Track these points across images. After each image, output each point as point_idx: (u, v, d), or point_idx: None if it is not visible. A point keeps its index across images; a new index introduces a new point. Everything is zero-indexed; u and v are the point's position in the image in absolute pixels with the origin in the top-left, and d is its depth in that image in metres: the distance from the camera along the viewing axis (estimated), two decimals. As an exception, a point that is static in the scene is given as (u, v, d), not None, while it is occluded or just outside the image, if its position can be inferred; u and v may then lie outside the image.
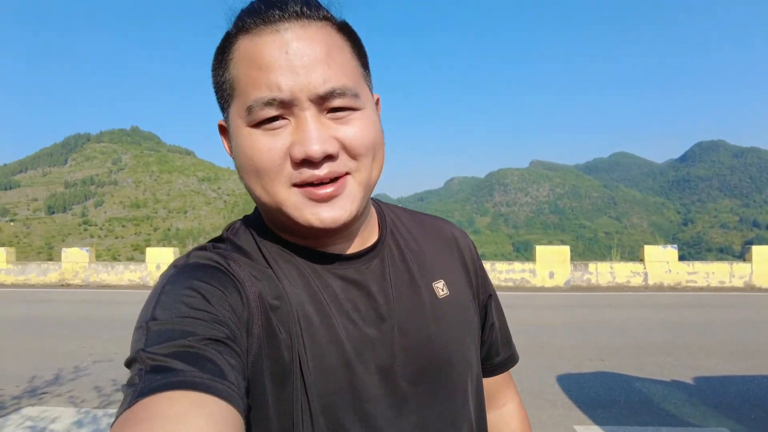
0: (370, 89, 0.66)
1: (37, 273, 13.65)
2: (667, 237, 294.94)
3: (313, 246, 0.66)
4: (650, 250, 12.33)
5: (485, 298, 0.81)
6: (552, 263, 12.39)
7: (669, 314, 8.28)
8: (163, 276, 0.60)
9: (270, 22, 0.57)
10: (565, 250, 12.64)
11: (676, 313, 8.36)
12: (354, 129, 0.59)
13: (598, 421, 3.87)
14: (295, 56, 0.56)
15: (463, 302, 0.74)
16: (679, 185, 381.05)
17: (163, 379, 0.45)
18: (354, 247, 0.68)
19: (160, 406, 0.42)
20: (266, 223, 0.69)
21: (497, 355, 0.85)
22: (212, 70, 0.64)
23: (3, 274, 13.72)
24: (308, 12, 0.58)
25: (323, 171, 0.58)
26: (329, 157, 0.58)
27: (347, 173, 0.60)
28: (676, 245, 12.42)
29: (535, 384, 4.72)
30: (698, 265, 12.23)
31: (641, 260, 12.35)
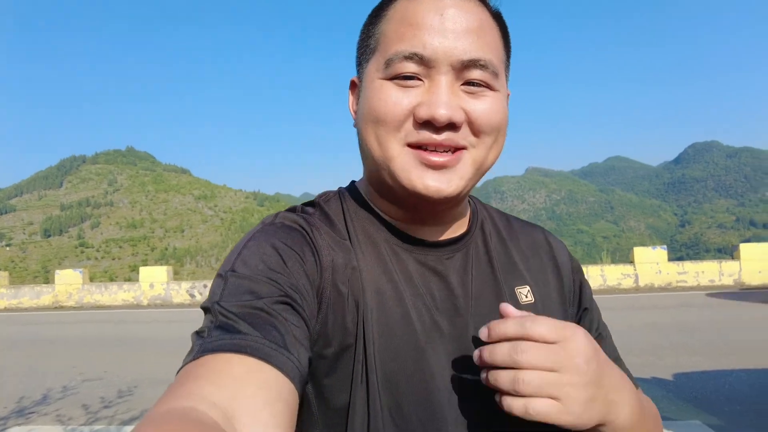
0: (507, 81, 0.66)
1: (30, 296, 13.65)
2: (664, 239, 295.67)
3: (400, 224, 0.66)
4: (640, 252, 12.44)
5: (579, 311, 0.76)
6: (543, 268, 12.47)
7: (657, 315, 8.36)
8: (250, 231, 0.62)
9: None
10: (556, 254, 12.73)
11: (664, 314, 8.44)
12: (484, 105, 0.59)
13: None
14: (448, 20, 0.57)
15: (548, 312, 0.69)
16: (675, 187, 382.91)
17: (230, 339, 0.47)
18: (441, 236, 0.67)
19: (221, 366, 0.45)
20: (363, 193, 0.69)
21: None
22: (363, 27, 0.65)
23: (-4, 298, 13.72)
24: None
25: (442, 136, 0.57)
26: (452, 126, 0.57)
27: (464, 147, 0.59)
28: (665, 246, 12.55)
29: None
30: (688, 265, 12.34)
31: (631, 262, 12.45)
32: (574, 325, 0.54)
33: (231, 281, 0.53)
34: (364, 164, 0.67)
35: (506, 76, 0.65)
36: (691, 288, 11.80)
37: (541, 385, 0.50)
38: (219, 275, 0.56)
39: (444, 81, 0.57)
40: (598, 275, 12.38)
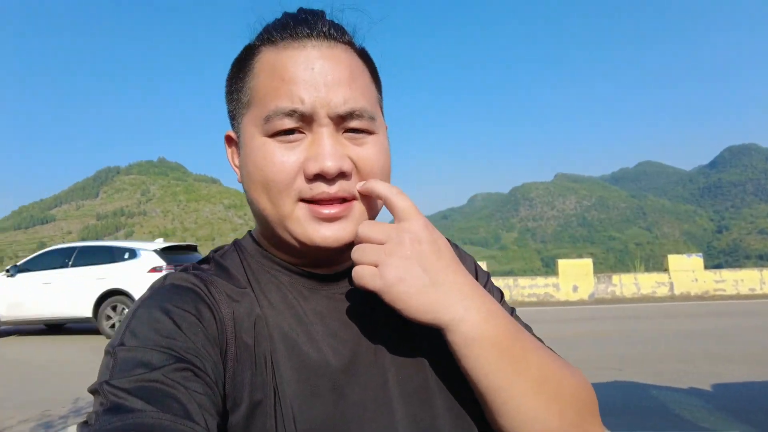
0: (383, 116, 0.67)
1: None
2: (700, 245, 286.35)
3: (304, 266, 0.65)
4: (675, 260, 12.22)
5: None
6: (575, 277, 12.39)
7: (693, 323, 8.24)
8: (139, 299, 0.58)
9: (297, 38, 0.59)
10: (588, 263, 12.63)
11: (700, 322, 8.31)
12: (368, 151, 0.60)
13: (608, 427, 3.98)
14: (320, 73, 0.57)
15: None
16: (711, 192, 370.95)
17: (119, 421, 0.43)
18: (343, 268, 0.67)
19: None
20: (260, 243, 0.68)
21: None
22: (228, 80, 0.65)
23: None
24: (335, 34, 0.60)
25: (334, 188, 0.58)
26: (342, 175, 0.58)
27: (354, 198, 0.60)
28: (701, 254, 12.29)
29: (551, 394, 4.83)
30: (726, 273, 12.06)
31: (666, 270, 12.24)
32: (419, 214, 0.58)
33: (120, 356, 0.49)
34: (256, 219, 0.66)
35: (382, 112, 0.67)
36: (730, 297, 11.53)
37: (364, 250, 0.56)
38: (107, 352, 0.51)
39: (326, 133, 0.57)
40: (631, 283, 12.21)
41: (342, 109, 0.57)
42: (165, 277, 0.61)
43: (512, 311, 0.75)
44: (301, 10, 0.62)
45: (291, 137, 0.58)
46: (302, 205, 0.59)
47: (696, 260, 12.13)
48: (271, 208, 0.59)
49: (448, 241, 0.72)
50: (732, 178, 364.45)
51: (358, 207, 0.61)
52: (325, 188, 0.57)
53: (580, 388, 0.60)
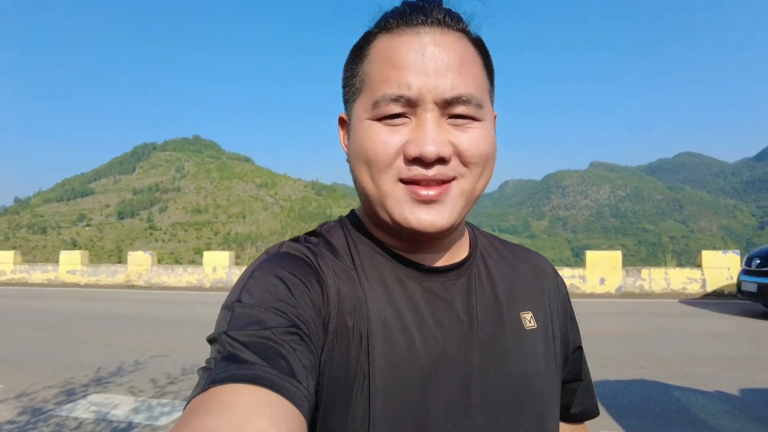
0: (492, 105, 0.68)
1: (107, 274, 14.75)
2: (740, 241, 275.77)
3: (403, 251, 0.67)
4: (709, 256, 11.74)
5: (574, 348, 0.80)
6: (603, 269, 12.06)
7: (726, 324, 7.89)
8: (256, 260, 0.62)
9: (412, 25, 0.60)
10: (617, 255, 12.26)
11: (735, 323, 7.96)
12: (471, 137, 0.61)
13: (627, 429, 3.83)
14: (429, 59, 0.58)
15: (550, 341, 0.71)
16: (755, 186, 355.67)
17: (237, 369, 0.47)
18: (442, 261, 0.68)
19: (228, 398, 0.44)
20: (363, 223, 0.70)
21: (577, 406, 0.82)
22: (345, 65, 0.67)
23: (78, 275, 14.93)
24: (449, 21, 0.61)
25: (432, 171, 0.59)
26: (441, 160, 0.59)
27: (454, 178, 0.61)
28: (738, 251, 11.76)
29: (569, 390, 4.70)
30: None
31: (699, 266, 11.78)
32: None
33: (237, 311, 0.53)
34: (359, 197, 0.68)
35: (492, 101, 0.67)
36: (767, 297, 11.01)
37: None
38: (225, 306, 0.56)
39: (430, 118, 0.59)
40: (661, 278, 11.81)
41: (449, 95, 0.58)
42: (281, 245, 0.65)
43: (578, 348, 0.80)
44: None
45: (396, 121, 0.59)
46: (401, 185, 0.60)
47: (732, 257, 11.61)
48: (372, 186, 0.61)
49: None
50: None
51: (455, 189, 0.61)
52: (423, 170, 0.59)
53: None
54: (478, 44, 0.65)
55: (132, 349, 6.38)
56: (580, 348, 0.80)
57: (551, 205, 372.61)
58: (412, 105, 0.59)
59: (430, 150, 0.57)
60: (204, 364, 0.50)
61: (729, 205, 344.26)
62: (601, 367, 5.47)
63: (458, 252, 0.71)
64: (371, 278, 0.64)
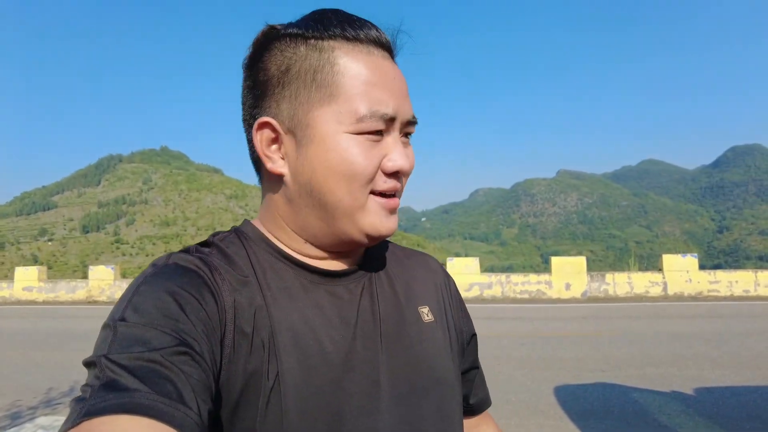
0: None
1: (66, 290, 14.20)
2: (701, 245, 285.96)
3: (307, 260, 0.68)
4: (669, 260, 12.10)
5: (469, 336, 0.83)
6: (568, 274, 12.28)
7: (684, 325, 8.13)
8: (141, 274, 0.58)
9: (380, 46, 0.64)
10: (581, 260, 12.52)
11: (692, 324, 8.21)
12: (412, 154, 0.67)
13: (587, 431, 3.88)
14: (398, 81, 0.64)
15: (446, 331, 0.75)
16: (713, 192, 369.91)
17: (116, 398, 0.43)
18: (346, 266, 0.70)
19: (104, 430, 0.41)
20: (263, 233, 0.69)
21: (475, 396, 0.85)
22: (279, 53, 0.64)
23: (35, 291, 14.32)
24: (393, 48, 0.67)
25: (399, 184, 0.66)
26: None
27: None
28: (696, 254, 12.17)
29: (530, 395, 4.74)
30: (720, 274, 11.94)
31: (660, 270, 12.13)
32: None
33: (120, 331, 0.49)
34: (309, 208, 0.65)
35: None
36: (724, 298, 11.41)
37: None
38: (106, 326, 0.51)
39: (398, 136, 0.64)
40: (625, 282, 12.11)
41: (409, 116, 0.65)
42: (168, 256, 0.61)
43: (473, 336, 0.84)
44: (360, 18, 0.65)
45: (376, 137, 0.62)
46: (374, 198, 0.64)
47: (691, 260, 12.00)
48: (350, 199, 0.62)
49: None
50: (734, 179, 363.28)
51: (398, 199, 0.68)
52: (395, 183, 0.64)
53: None
54: None
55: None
56: (474, 335, 0.84)
57: (521, 212, 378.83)
58: (388, 124, 0.62)
59: (408, 165, 0.64)
60: (80, 394, 0.46)
61: (690, 210, 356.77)
62: (562, 370, 5.55)
63: (359, 256, 0.73)
64: (273, 286, 0.63)
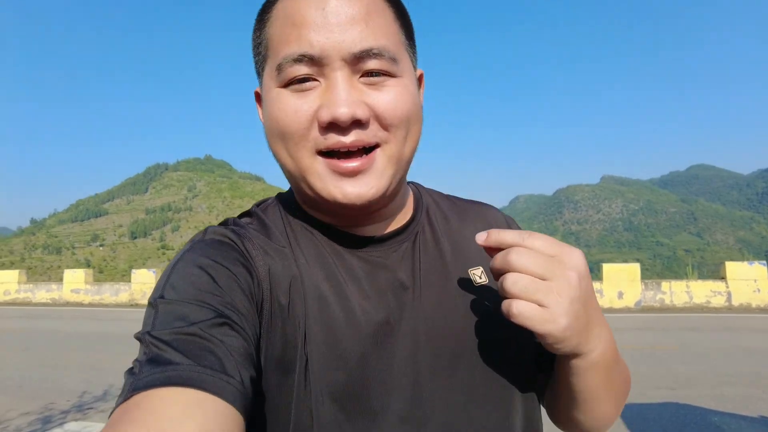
0: (413, 61, 0.63)
1: (111, 293, 14.51)
2: (757, 254, 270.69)
3: (340, 225, 0.64)
4: (733, 267, 11.19)
5: None
6: (621, 282, 11.55)
7: (757, 340, 7.37)
8: (180, 251, 0.59)
9: None
10: (635, 268, 11.76)
11: (766, 339, 7.42)
12: (388, 96, 0.56)
13: (663, 460, 3.38)
14: (331, 13, 0.54)
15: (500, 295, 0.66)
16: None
17: (161, 372, 0.44)
18: (384, 230, 0.65)
19: (152, 404, 0.42)
20: (297, 199, 0.66)
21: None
22: (252, 33, 0.62)
23: (82, 294, 14.71)
24: None
25: (350, 138, 0.54)
26: (358, 123, 0.55)
27: (377, 145, 0.57)
28: (765, 262, 11.19)
29: (592, 414, 4.25)
30: (792, 284, 10.92)
31: (723, 278, 11.22)
32: (570, 246, 0.55)
33: (161, 308, 0.51)
34: (284, 174, 0.63)
35: (412, 57, 0.63)
36: (797, 310, 10.42)
37: (528, 287, 0.51)
38: (149, 303, 0.53)
39: (340, 77, 0.54)
40: (683, 291, 11.26)
41: (356, 48, 0.54)
42: (205, 231, 0.62)
43: None
44: None
45: (305, 85, 0.55)
46: (320, 159, 0.56)
47: (759, 268, 11.04)
48: (291, 161, 0.58)
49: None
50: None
51: (381, 157, 0.57)
52: (340, 138, 0.54)
53: (628, 385, 0.68)
54: None
55: (122, 372, 6.01)
56: None
57: (563, 219, 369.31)
58: (318, 65, 0.54)
59: (343, 112, 0.53)
60: (131, 366, 0.48)
61: (745, 217, 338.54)
62: (625, 387, 5.01)
63: (401, 217, 0.68)
64: (307, 254, 0.61)
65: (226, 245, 0.58)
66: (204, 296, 0.51)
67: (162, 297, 0.52)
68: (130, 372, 0.47)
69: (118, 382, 5.56)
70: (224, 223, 0.64)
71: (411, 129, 0.59)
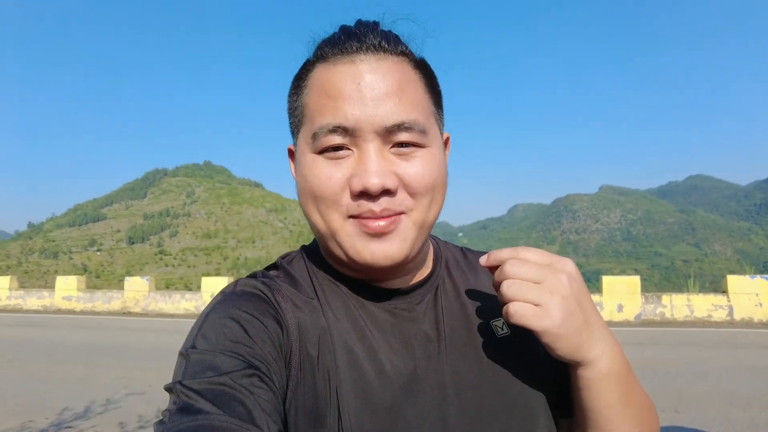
0: (441, 128, 0.65)
1: (103, 301, 14.25)
2: (756, 265, 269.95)
3: (365, 279, 0.65)
4: (735, 281, 11.00)
5: None
6: (621, 295, 11.35)
7: (762, 357, 7.17)
8: (211, 302, 0.60)
9: (347, 53, 0.58)
10: (635, 280, 11.57)
11: (770, 355, 7.23)
12: (416, 167, 0.58)
13: (671, 492, 3.18)
14: (366, 88, 0.57)
15: (527, 342, 0.66)
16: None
17: (189, 421, 0.45)
18: (407, 282, 0.67)
19: None
20: (322, 254, 0.68)
21: None
22: (288, 96, 0.66)
23: (74, 301, 14.44)
24: (386, 46, 0.59)
25: (380, 206, 0.57)
26: (387, 192, 0.57)
27: (402, 212, 0.59)
28: (767, 275, 11.01)
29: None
30: (795, 298, 10.74)
31: (724, 292, 11.03)
32: (561, 256, 0.59)
33: (192, 358, 0.52)
34: (313, 231, 0.65)
35: (440, 124, 0.65)
36: (801, 325, 10.22)
37: (521, 288, 0.55)
38: (180, 354, 0.54)
39: (372, 149, 0.57)
40: (683, 305, 11.07)
41: (389, 122, 0.57)
42: (236, 283, 0.63)
43: None
44: (356, 23, 0.61)
45: (339, 153, 0.58)
46: (351, 221, 0.59)
47: (761, 282, 10.85)
48: (322, 222, 0.60)
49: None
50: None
51: (406, 222, 0.60)
52: (371, 206, 0.57)
53: (654, 415, 0.65)
54: (421, 66, 0.63)
55: (107, 386, 5.81)
56: None
57: (562, 229, 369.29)
58: (351, 135, 0.57)
59: (374, 183, 0.55)
60: (160, 417, 0.49)
61: (743, 228, 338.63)
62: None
63: (423, 270, 0.69)
64: (334, 306, 0.63)
65: (257, 297, 0.60)
66: (235, 347, 0.52)
67: (194, 347, 0.53)
68: (160, 421, 0.48)
69: (101, 397, 5.35)
70: (253, 276, 0.66)
71: (436, 196, 0.61)
